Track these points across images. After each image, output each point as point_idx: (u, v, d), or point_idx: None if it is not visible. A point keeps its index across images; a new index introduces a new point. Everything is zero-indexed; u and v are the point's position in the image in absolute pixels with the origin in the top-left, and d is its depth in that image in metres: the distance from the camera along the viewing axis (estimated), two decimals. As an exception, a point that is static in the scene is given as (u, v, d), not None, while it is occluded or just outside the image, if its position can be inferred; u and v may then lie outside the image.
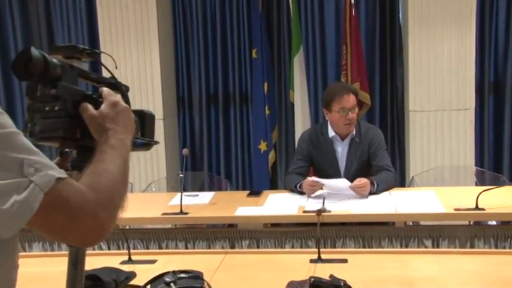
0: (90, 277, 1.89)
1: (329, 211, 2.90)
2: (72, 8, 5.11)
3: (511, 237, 2.84)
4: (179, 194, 3.14)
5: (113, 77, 1.21)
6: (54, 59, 1.02)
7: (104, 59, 1.31)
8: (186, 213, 3.06)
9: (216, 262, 2.30)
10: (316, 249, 2.29)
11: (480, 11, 4.58)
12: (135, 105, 1.14)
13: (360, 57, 4.53)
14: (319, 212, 2.32)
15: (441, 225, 2.97)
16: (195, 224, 3.24)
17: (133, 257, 2.35)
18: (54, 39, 5.14)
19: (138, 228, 3.29)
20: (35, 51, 0.97)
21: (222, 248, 3.01)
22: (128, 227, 3.28)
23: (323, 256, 2.27)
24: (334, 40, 4.93)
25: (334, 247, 2.93)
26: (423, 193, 3.26)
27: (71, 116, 1.04)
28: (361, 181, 3.14)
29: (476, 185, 3.91)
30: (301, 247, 2.96)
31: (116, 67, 1.23)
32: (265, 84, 4.71)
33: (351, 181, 3.18)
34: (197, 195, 3.49)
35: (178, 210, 3.07)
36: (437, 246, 2.88)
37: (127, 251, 2.36)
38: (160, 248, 3.07)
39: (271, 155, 4.80)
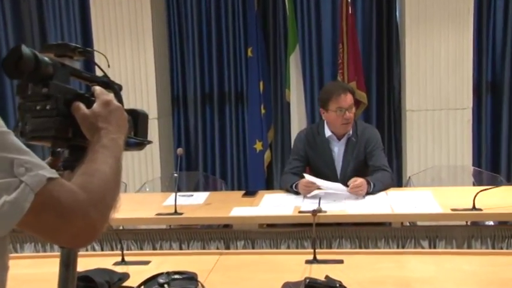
0: (82, 278, 1.89)
1: (325, 211, 2.91)
2: (65, 6, 5.10)
3: (508, 238, 2.85)
4: (173, 194, 3.13)
5: (105, 75, 1.21)
6: (46, 57, 1.02)
7: (97, 57, 1.31)
8: (181, 214, 3.05)
9: (210, 263, 2.30)
10: (312, 250, 2.29)
11: (478, 10, 4.59)
12: (129, 104, 1.14)
13: (357, 56, 4.54)
14: (314, 212, 2.32)
15: (438, 226, 2.98)
16: (189, 225, 3.24)
17: (126, 258, 2.34)
18: (47, 38, 5.13)
19: (132, 228, 3.29)
20: (25, 49, 0.97)
21: (217, 248, 3.01)
22: (121, 228, 3.28)
23: (319, 257, 2.27)
24: (331, 39, 4.94)
25: (330, 248, 2.93)
26: (420, 193, 3.27)
27: (62, 115, 1.04)
28: (357, 181, 3.14)
29: (474, 185, 3.92)
30: (296, 248, 2.96)
31: (109, 66, 1.23)
32: (261, 83, 4.72)
33: (347, 181, 3.18)
34: (192, 195, 3.49)
35: (173, 211, 3.06)
36: (434, 247, 2.88)
37: (120, 252, 2.36)
38: (154, 248, 3.07)
39: (267, 155, 4.80)
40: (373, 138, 3.45)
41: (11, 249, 3.11)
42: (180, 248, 3.06)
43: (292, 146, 3.79)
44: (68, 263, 1.09)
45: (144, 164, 4.75)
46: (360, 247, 2.93)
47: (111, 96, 1.14)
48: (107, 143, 1.05)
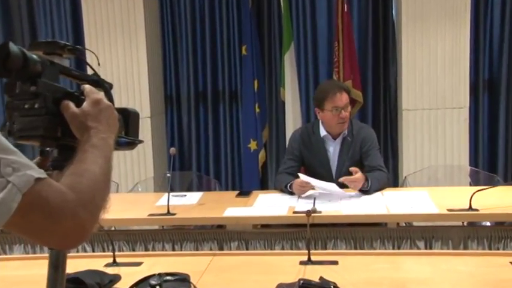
0: (72, 280, 1.88)
1: (320, 212, 2.91)
2: (55, 3, 5.09)
3: (505, 238, 2.86)
4: (166, 194, 3.13)
5: (95, 74, 1.20)
6: (34, 55, 1.01)
7: (88, 56, 1.31)
8: (173, 214, 3.05)
9: (203, 264, 2.30)
10: (306, 251, 2.30)
11: (475, 8, 4.61)
12: (122, 103, 1.14)
13: (352, 54, 4.55)
14: (308, 212, 2.32)
15: (434, 226, 2.99)
16: (182, 225, 3.23)
17: (118, 259, 2.34)
18: (37, 35, 5.11)
19: (124, 229, 3.28)
20: (13, 47, 0.96)
21: (210, 249, 3.01)
22: (113, 228, 3.27)
23: (313, 258, 2.27)
24: (326, 37, 4.94)
25: (325, 248, 2.93)
26: (416, 193, 3.28)
27: (51, 114, 1.04)
28: (357, 174, 3.14)
29: (471, 185, 3.94)
30: (291, 248, 2.96)
31: (99, 64, 1.23)
32: (256, 82, 4.72)
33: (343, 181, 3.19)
34: (185, 195, 3.49)
35: (165, 211, 3.06)
36: (430, 248, 2.89)
37: (112, 253, 2.35)
38: (146, 249, 3.06)
39: (261, 155, 4.80)
40: (368, 137, 3.45)
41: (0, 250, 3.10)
42: (173, 249, 3.06)
43: (287, 146, 3.79)
44: (57, 265, 1.09)
45: (136, 164, 4.74)
46: (355, 248, 2.94)
47: (101, 94, 1.13)
48: (97, 142, 1.05)
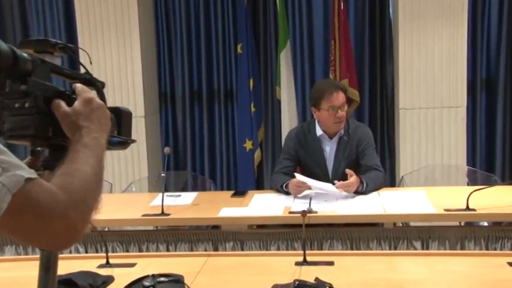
0: (65, 282, 1.88)
1: (315, 212, 2.91)
2: (48, 1, 5.07)
3: (502, 239, 2.87)
4: (161, 194, 3.13)
5: (87, 72, 1.20)
6: (25, 53, 1.01)
7: (81, 55, 1.30)
8: (168, 215, 3.05)
9: (197, 265, 2.30)
10: (302, 251, 2.30)
11: (472, 7, 4.62)
12: (116, 102, 1.14)
13: (349, 53, 4.55)
14: (304, 213, 2.32)
15: (431, 226, 2.99)
16: (177, 226, 3.23)
17: (111, 260, 2.33)
18: (29, 34, 5.09)
19: (118, 230, 3.28)
20: (3, 45, 0.96)
21: (205, 250, 3.01)
22: (106, 229, 3.27)
23: (309, 258, 2.28)
24: (322, 35, 4.94)
25: (321, 249, 2.94)
26: (413, 193, 3.29)
27: (42, 113, 1.03)
28: (351, 178, 3.14)
29: (468, 185, 3.95)
30: (287, 249, 2.96)
31: (91, 62, 1.23)
32: (251, 81, 4.71)
33: (339, 180, 3.18)
34: (179, 195, 3.48)
35: (160, 211, 3.06)
36: (427, 248, 2.90)
37: (105, 254, 2.35)
38: (140, 250, 3.06)
39: (257, 154, 4.80)
40: (365, 137, 3.46)
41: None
42: (167, 250, 3.06)
43: (282, 145, 3.79)
44: (48, 266, 1.08)
45: (130, 163, 4.73)
46: (352, 248, 2.94)
47: (93, 93, 1.13)
48: (89, 142, 1.05)
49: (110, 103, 1.16)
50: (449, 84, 4.40)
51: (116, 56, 4.66)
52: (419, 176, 4.10)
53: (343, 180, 3.17)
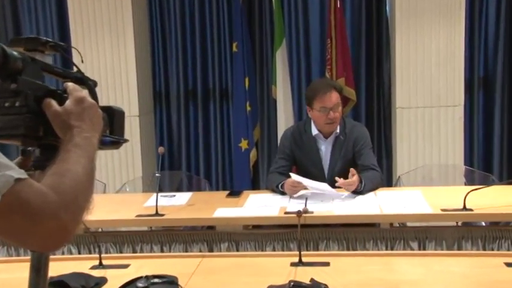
0: (57, 283, 1.88)
1: (311, 212, 2.92)
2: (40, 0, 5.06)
3: (499, 239, 2.88)
4: (155, 194, 3.12)
5: (79, 71, 1.20)
6: (15, 52, 1.01)
7: (74, 54, 1.30)
8: (162, 215, 3.05)
9: (192, 266, 2.30)
10: (298, 252, 2.30)
11: (469, 4, 4.63)
12: (110, 102, 1.13)
13: (345, 51, 4.55)
14: (299, 213, 2.32)
15: (428, 227, 3.00)
16: (171, 226, 3.23)
17: (104, 262, 2.33)
18: (21, 33, 5.08)
19: (111, 231, 3.27)
20: (-8, 43, 0.96)
21: (200, 251, 3.00)
22: (100, 230, 3.26)
23: (304, 259, 2.28)
24: (319, 33, 4.95)
25: (317, 249, 2.94)
26: (409, 193, 3.29)
27: (33, 112, 1.03)
28: (354, 177, 3.14)
29: (465, 184, 3.96)
30: (282, 250, 2.97)
31: (82, 61, 1.22)
32: (247, 80, 4.72)
33: (335, 181, 3.19)
34: (174, 195, 3.48)
35: (154, 212, 3.05)
36: (424, 248, 2.90)
37: (98, 255, 2.35)
38: (134, 251, 3.06)
39: (253, 154, 4.80)
40: (361, 136, 3.46)
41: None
42: (162, 251, 3.05)
43: (278, 145, 3.80)
44: (38, 268, 1.08)
45: (124, 163, 4.73)
46: (348, 249, 2.95)
47: (84, 92, 1.13)
48: (80, 141, 1.04)
49: (104, 102, 1.16)
50: (446, 83, 4.41)
51: (109, 54, 4.65)
52: (416, 176, 4.11)
53: (340, 178, 3.17)
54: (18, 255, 3.02)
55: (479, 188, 2.95)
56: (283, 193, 3.31)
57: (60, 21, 5.02)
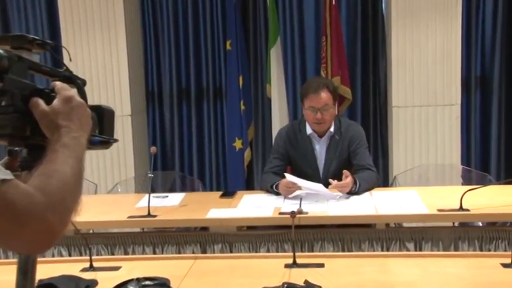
0: (46, 286, 1.87)
1: (306, 212, 2.91)
2: (30, -4, 5.04)
3: (496, 239, 2.89)
4: (147, 195, 3.12)
5: (67, 69, 1.19)
6: (1, 50, 1.00)
7: (65, 53, 1.29)
8: (154, 216, 3.04)
9: (184, 268, 2.30)
10: (292, 253, 2.30)
11: (466, 2, 4.64)
12: (101, 101, 1.13)
13: (341, 50, 4.55)
14: (293, 214, 2.32)
15: (424, 227, 3.01)
16: (163, 228, 3.23)
17: (95, 264, 2.33)
18: (10, 32, 5.05)
19: (103, 232, 3.27)
20: (-23, 41, 0.95)
21: (193, 252, 3.00)
22: (91, 232, 3.25)
23: (299, 260, 2.28)
24: (314, 31, 4.95)
25: (312, 251, 2.94)
26: (405, 193, 3.30)
27: (19, 112, 1.03)
28: (347, 179, 3.14)
29: (462, 184, 3.97)
30: (277, 251, 2.97)
31: (70, 59, 1.22)
32: (241, 78, 4.71)
33: (333, 180, 3.18)
34: (166, 196, 3.47)
35: (146, 213, 3.05)
36: (420, 249, 2.91)
37: (88, 258, 2.34)
38: (126, 253, 3.05)
39: (247, 154, 4.80)
40: (357, 136, 3.46)
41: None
42: (154, 253, 3.05)
43: (273, 144, 3.79)
44: (25, 270, 1.08)
45: (116, 163, 4.72)
46: (343, 250, 2.95)
47: (73, 91, 1.12)
48: (68, 141, 1.04)
49: (96, 102, 1.16)
50: (443, 82, 4.42)
51: (101, 53, 4.64)
52: (412, 176, 4.12)
53: (334, 180, 3.17)
54: (6, 257, 3.00)
55: (476, 188, 2.96)
56: (277, 193, 3.31)
57: (50, 19, 5.01)
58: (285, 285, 1.93)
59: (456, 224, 3.18)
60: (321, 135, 3.46)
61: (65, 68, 1.20)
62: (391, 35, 4.48)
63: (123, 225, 3.18)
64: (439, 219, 2.99)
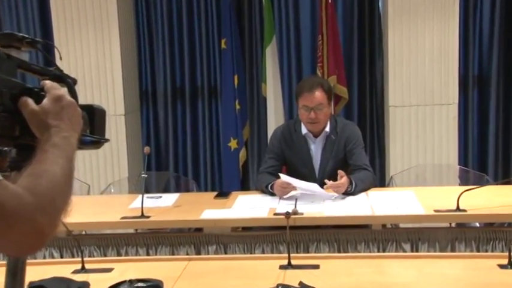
0: (37, 288, 1.87)
1: (301, 213, 2.92)
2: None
3: (494, 240, 2.89)
4: (140, 196, 3.11)
5: (57, 68, 1.19)
6: None
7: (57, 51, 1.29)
8: (148, 217, 3.04)
9: (178, 269, 2.30)
10: (287, 255, 2.30)
11: (464, 1, 4.65)
12: (95, 100, 1.13)
13: (337, 49, 4.55)
14: (288, 214, 2.32)
15: (421, 228, 3.01)
16: (157, 229, 3.22)
17: (87, 266, 2.32)
18: (2, 29, 5.04)
19: (95, 233, 3.26)
20: (-36, 40, 0.95)
21: (187, 254, 3.00)
22: (83, 233, 3.24)
23: (294, 262, 2.28)
24: (310, 30, 4.95)
25: (308, 252, 2.94)
26: (402, 193, 3.30)
27: (8, 111, 1.02)
28: (343, 179, 3.15)
29: (460, 185, 3.97)
30: (272, 252, 2.97)
31: (61, 58, 1.21)
32: (236, 77, 4.71)
33: (329, 180, 3.19)
34: (160, 197, 3.47)
35: (139, 214, 3.04)
36: (417, 250, 2.91)
37: (80, 259, 2.33)
38: (119, 255, 3.04)
39: (242, 153, 4.80)
40: (353, 135, 3.46)
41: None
42: (147, 254, 3.05)
43: (268, 144, 3.79)
44: (15, 272, 1.07)
45: (110, 164, 4.71)
46: (339, 251, 2.95)
47: (63, 90, 1.12)
48: (58, 141, 1.03)
49: (89, 101, 1.16)
50: (440, 81, 4.43)
51: (94, 52, 4.63)
52: (409, 176, 4.12)
53: (330, 180, 3.17)
54: (-3, 259, 3.00)
55: (473, 188, 2.96)
56: (272, 194, 3.30)
57: (43, 18, 5.00)
58: (280, 287, 1.93)
59: (453, 225, 3.19)
60: (316, 135, 3.47)
61: (55, 66, 1.20)
62: (387, 33, 4.49)
63: (116, 226, 3.17)
64: (436, 220, 3.00)
